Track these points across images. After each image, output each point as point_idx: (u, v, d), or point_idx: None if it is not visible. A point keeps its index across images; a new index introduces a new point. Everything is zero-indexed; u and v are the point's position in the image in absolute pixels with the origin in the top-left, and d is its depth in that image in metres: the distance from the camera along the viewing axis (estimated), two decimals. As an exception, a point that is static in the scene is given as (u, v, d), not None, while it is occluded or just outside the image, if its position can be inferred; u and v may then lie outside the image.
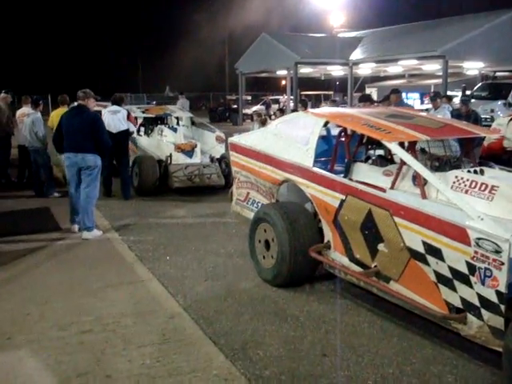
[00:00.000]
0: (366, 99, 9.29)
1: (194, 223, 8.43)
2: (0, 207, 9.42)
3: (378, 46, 29.61)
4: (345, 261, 5.14)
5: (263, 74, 39.88)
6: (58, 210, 8.94)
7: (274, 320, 4.88)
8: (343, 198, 4.99)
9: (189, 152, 11.23)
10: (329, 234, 5.32)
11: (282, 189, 6.07)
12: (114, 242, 7.23)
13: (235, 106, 37.41)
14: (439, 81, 32.99)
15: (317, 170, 5.37)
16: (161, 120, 13.30)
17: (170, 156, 10.84)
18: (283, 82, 66.08)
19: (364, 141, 6.00)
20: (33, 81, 53.33)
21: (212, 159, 11.35)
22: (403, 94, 31.55)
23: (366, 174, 5.53)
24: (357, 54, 29.79)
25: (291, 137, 5.87)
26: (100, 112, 10.93)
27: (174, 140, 11.63)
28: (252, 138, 6.58)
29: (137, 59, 71.35)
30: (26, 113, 10.61)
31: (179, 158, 11.03)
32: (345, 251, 5.13)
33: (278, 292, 5.52)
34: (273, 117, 39.88)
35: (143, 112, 12.55)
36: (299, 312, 5.06)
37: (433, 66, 31.80)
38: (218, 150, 11.93)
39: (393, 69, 34.46)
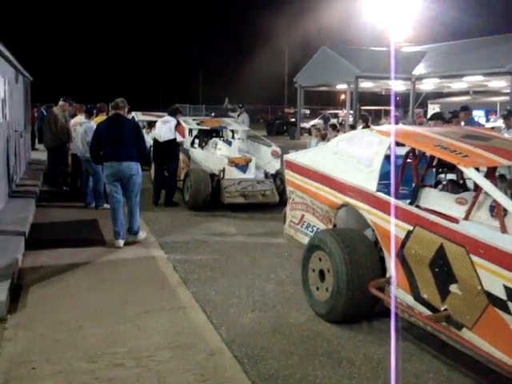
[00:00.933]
0: (438, 117, 8.62)
1: (244, 243, 7.96)
2: (48, 217, 9.24)
3: (442, 61, 28.65)
4: (409, 300, 4.54)
5: (322, 88, 39.39)
6: (105, 223, 8.65)
7: (326, 363, 4.32)
8: (410, 228, 4.40)
9: (243, 167, 10.82)
10: (392, 267, 4.73)
11: (341, 213, 5.52)
12: (158, 260, 6.84)
13: (293, 120, 36.99)
14: (506, 98, 31.66)
15: (381, 195, 4.80)
16: (216, 133, 12.98)
17: (223, 170, 10.45)
18: (342, 97, 65.58)
19: (434, 163, 5.39)
20: (93, 90, 54.56)
21: (266, 175, 10.89)
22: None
23: (436, 201, 4.93)
24: (420, 69, 28.93)
25: (353, 157, 5.32)
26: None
27: (228, 154, 11.25)
28: (309, 156, 6.06)
29: (198, 71, 72.16)
30: (79, 122, 10.46)
31: (233, 173, 10.63)
32: (410, 289, 4.53)
33: (332, 329, 4.96)
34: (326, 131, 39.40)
35: (198, 124, 12.23)
36: (355, 355, 4.49)
37: (499, 83, 30.54)
38: (273, 166, 11.46)
39: (457, 85, 33.33)
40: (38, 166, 15.27)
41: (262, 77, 68.85)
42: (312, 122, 39.29)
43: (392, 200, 4.64)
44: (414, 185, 5.17)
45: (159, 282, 6.03)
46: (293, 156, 6.31)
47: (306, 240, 6.08)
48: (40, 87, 28.77)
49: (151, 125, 17.88)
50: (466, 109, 9.59)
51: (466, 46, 28.85)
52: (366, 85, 31.96)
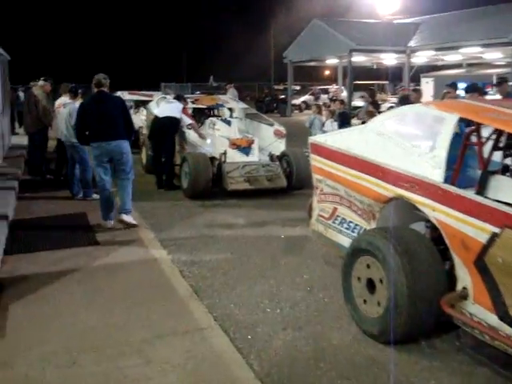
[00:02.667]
0: (474, 89, 7.61)
1: (256, 237, 6.97)
2: (30, 211, 8.17)
3: (437, 33, 27.58)
4: (492, 319, 3.59)
5: (311, 63, 38.17)
6: (96, 217, 7.61)
7: (391, 404, 3.39)
8: (496, 230, 3.43)
9: (245, 149, 9.79)
10: (466, 278, 3.77)
11: (387, 208, 4.54)
12: (162, 263, 5.83)
13: (283, 97, 35.82)
14: (502, 70, 30.74)
15: (451, 187, 3.81)
16: (211, 112, 11.92)
17: (225, 153, 9.40)
18: (327, 72, 64.21)
19: (501, 145, 4.42)
20: (74, 69, 52.67)
21: (272, 157, 9.85)
22: (463, 84, 29.61)
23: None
24: (414, 42, 27.87)
25: (407, 138, 4.33)
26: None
27: (228, 134, 10.21)
28: (344, 138, 5.05)
29: (181, 48, 70.26)
30: (63, 103, 9.33)
31: (235, 156, 9.60)
32: (493, 306, 3.58)
33: (386, 352, 4.01)
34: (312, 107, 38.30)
35: (193, 102, 11.13)
36: (425, 390, 3.56)
37: (494, 55, 29.62)
38: (277, 147, 10.43)
39: (451, 57, 32.35)
40: (19, 151, 14.03)
41: (246, 53, 67.30)
42: (302, 99, 38.27)
43: (469, 194, 3.66)
44: (481, 172, 4.20)
45: (166, 292, 5.02)
46: (321, 138, 5.29)
47: (340, 238, 5.12)
48: (19, 67, 27.32)
49: (138, 105, 16.77)
50: (505, 80, 8.67)
51: (463, 17, 27.78)
52: (357, 59, 30.78)
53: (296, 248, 6.55)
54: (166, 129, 9.89)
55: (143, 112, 15.80)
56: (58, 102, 10.30)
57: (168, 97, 11.49)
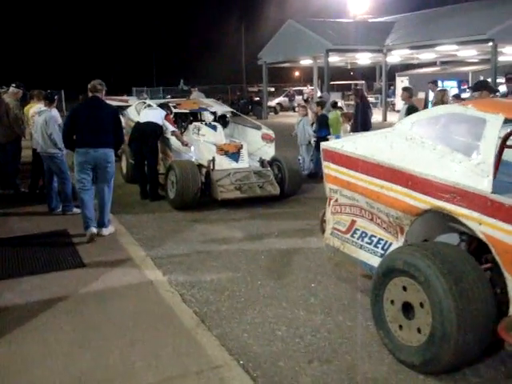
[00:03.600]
0: (484, 87, 7.16)
1: (257, 251, 6.43)
2: (5, 230, 7.48)
3: (413, 31, 27.35)
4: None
5: (286, 64, 37.77)
6: (78, 234, 7.01)
7: None
8: None
9: (234, 154, 9.24)
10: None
11: (419, 221, 4.05)
12: (158, 287, 5.24)
13: (257, 99, 35.29)
14: (477, 67, 30.80)
15: (503, 198, 3.33)
16: (194, 116, 11.34)
17: (213, 160, 8.83)
18: (297, 73, 64.03)
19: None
20: (42, 75, 51.30)
21: (262, 163, 9.32)
22: (439, 83, 29.47)
23: None
24: (390, 40, 27.60)
25: (442, 143, 3.84)
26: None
27: (215, 140, 9.65)
28: (365, 143, 4.54)
29: (150, 51, 69.31)
30: (37, 111, 8.65)
31: (223, 163, 9.04)
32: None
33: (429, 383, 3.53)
34: (297, 109, 37.91)
35: (174, 107, 10.53)
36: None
37: (469, 52, 29.58)
38: (266, 151, 9.91)
39: (425, 56, 32.25)
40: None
41: (217, 55, 66.68)
42: (277, 100, 37.82)
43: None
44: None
45: (169, 323, 4.45)
46: (336, 144, 4.77)
47: (360, 254, 4.62)
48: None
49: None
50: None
51: (439, 15, 27.64)
52: (332, 59, 30.35)
53: (302, 262, 6.03)
54: (147, 135, 9.33)
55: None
56: (33, 109, 9.63)
57: (150, 102, 10.93)
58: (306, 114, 11.85)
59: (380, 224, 4.37)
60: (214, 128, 9.99)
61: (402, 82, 33.04)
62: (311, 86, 38.58)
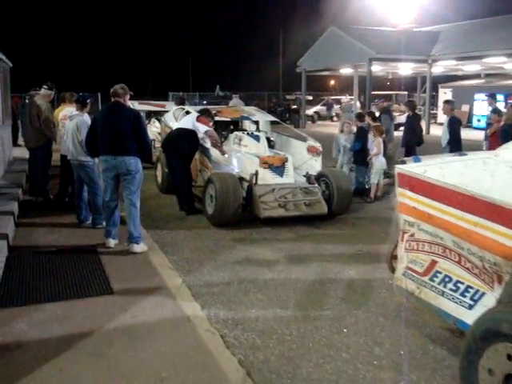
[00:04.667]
0: None
1: (306, 281, 5.68)
2: (29, 242, 6.90)
3: (460, 42, 26.33)
4: None
5: (324, 73, 37.02)
6: (108, 251, 6.38)
7: None
8: None
9: (278, 168, 8.51)
10: None
11: None
12: (197, 325, 4.51)
13: (295, 107, 34.56)
14: (526, 81, 29.51)
15: None
16: (234, 125, 10.66)
17: (256, 174, 8.11)
18: (332, 82, 63.02)
19: None
20: (78, 77, 51.44)
21: (309, 178, 8.55)
22: (481, 95, 28.29)
23: None
24: (436, 50, 26.61)
25: None
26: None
27: (257, 151, 8.95)
28: (457, 170, 3.76)
29: (187, 57, 69.20)
30: (68, 114, 8.07)
31: (267, 177, 8.32)
32: None
33: None
34: (335, 118, 37.10)
35: (215, 114, 9.85)
36: None
37: (518, 65, 28.35)
38: (312, 166, 9.15)
39: (470, 67, 31.11)
40: (22, 166, 12.70)
41: (254, 62, 66.18)
42: (314, 109, 37.03)
43: None
44: None
45: (210, 375, 3.71)
46: (417, 168, 3.99)
47: (441, 302, 3.83)
48: (22, 74, 26.12)
49: (150, 115, 15.55)
50: None
51: (486, 25, 26.55)
52: (373, 68, 29.58)
53: (359, 299, 5.25)
54: (176, 141, 8.72)
55: (155, 123, 14.64)
56: (63, 113, 9.08)
57: (188, 108, 10.31)
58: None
59: (470, 269, 3.57)
60: (257, 138, 9.28)
61: (445, 93, 31.96)
62: (350, 95, 37.76)
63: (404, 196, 4.06)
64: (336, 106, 37.22)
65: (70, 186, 8.97)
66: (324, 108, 37.46)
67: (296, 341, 4.31)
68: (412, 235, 4.05)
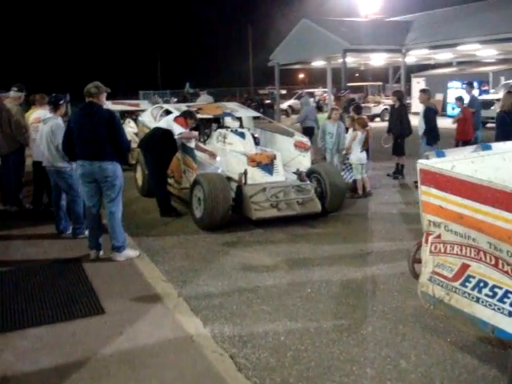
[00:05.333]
0: None
1: (311, 287, 5.28)
2: (6, 258, 6.37)
3: (433, 30, 26.14)
4: None
5: (296, 66, 36.65)
6: (94, 266, 5.90)
7: None
8: None
9: (267, 166, 8.10)
10: None
11: None
12: (202, 345, 4.07)
13: (268, 101, 34.13)
14: (498, 67, 29.62)
15: None
16: (216, 122, 10.21)
17: (245, 173, 7.68)
18: (301, 76, 62.72)
19: None
20: (44, 78, 50.07)
21: (300, 175, 8.15)
22: (458, 83, 28.28)
23: None
24: (409, 40, 26.43)
25: None
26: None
27: (244, 149, 8.50)
28: (492, 164, 3.39)
29: (155, 54, 68.14)
30: (42, 118, 7.52)
31: (255, 176, 7.90)
32: None
33: None
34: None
35: (196, 112, 9.38)
36: None
37: (489, 52, 28.41)
38: (301, 162, 8.77)
39: (442, 56, 31.10)
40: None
41: (223, 57, 65.53)
42: (288, 103, 36.65)
43: None
44: None
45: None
46: (442, 164, 3.61)
47: (476, 309, 3.45)
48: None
49: (124, 115, 14.96)
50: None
51: (459, 13, 26.44)
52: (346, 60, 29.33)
53: (372, 303, 4.88)
54: (151, 142, 8.38)
55: (130, 123, 14.06)
56: (34, 115, 8.54)
57: (168, 107, 9.85)
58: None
59: (510, 272, 3.21)
60: (242, 135, 8.84)
61: (418, 83, 31.91)
62: (323, 87, 37.49)
63: (428, 194, 3.67)
64: (310, 99, 36.89)
65: (46, 193, 8.44)
66: (298, 101, 37.08)
67: (313, 358, 3.91)
68: (438, 237, 3.67)
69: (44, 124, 7.16)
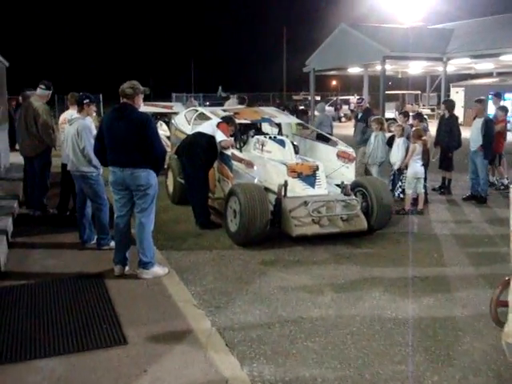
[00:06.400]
0: None
1: (362, 322, 4.61)
2: (23, 269, 5.85)
3: (475, 39, 25.28)
4: None
5: (332, 72, 36.01)
6: (119, 285, 5.33)
7: None
8: None
9: (309, 178, 7.45)
10: None
11: None
12: (240, 392, 3.46)
13: (302, 107, 33.43)
14: (542, 78, 28.50)
15: None
16: (254, 128, 9.60)
17: (285, 184, 7.04)
18: (334, 83, 61.84)
19: None
20: (79, 78, 50.22)
21: (344, 189, 7.47)
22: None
23: None
24: (451, 48, 25.58)
25: None
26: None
27: (283, 158, 7.88)
28: None
29: (188, 57, 68.10)
30: (68, 118, 7.01)
31: (296, 188, 7.27)
32: None
33: None
34: (343, 119, 36.03)
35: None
36: None
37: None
38: (343, 174, 8.11)
39: (482, 66, 30.12)
40: (19, 174, 11.49)
41: (257, 62, 65.10)
42: (322, 110, 35.87)
43: None
44: None
45: None
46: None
47: None
48: (20, 74, 25.03)
49: (156, 117, 14.46)
50: None
51: (502, 21, 25.51)
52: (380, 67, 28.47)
53: (435, 346, 4.19)
54: (192, 148, 7.77)
55: (162, 126, 13.56)
56: (63, 116, 8.07)
57: (203, 110, 9.29)
58: (382, 129, 9.99)
59: None
60: (282, 143, 8.22)
61: (457, 92, 30.91)
62: (358, 94, 36.70)
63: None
64: (344, 107, 36.19)
65: (72, 198, 7.93)
66: (332, 108, 36.37)
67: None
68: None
69: (70, 125, 6.65)
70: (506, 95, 30.49)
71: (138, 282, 5.41)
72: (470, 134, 9.70)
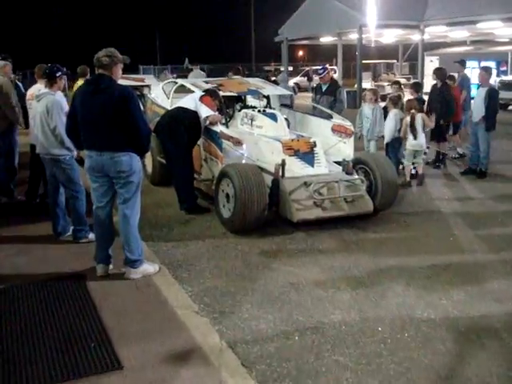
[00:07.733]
0: None
1: (392, 326, 3.98)
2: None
3: (452, 6, 24.56)
4: None
5: (301, 42, 35.02)
6: (104, 288, 4.58)
7: None
8: None
9: (307, 155, 6.74)
10: None
11: None
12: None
13: (274, 78, 32.55)
14: (517, 47, 28.16)
15: None
16: (240, 101, 8.80)
17: (283, 164, 6.31)
18: (300, 53, 60.81)
19: None
20: (38, 51, 48.06)
21: (346, 167, 6.77)
22: (474, 63, 26.79)
23: None
24: (428, 16, 24.91)
25: None
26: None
27: (276, 134, 7.15)
28: None
29: (153, 29, 65.96)
30: (35, 93, 6.12)
31: (294, 167, 6.56)
32: None
33: None
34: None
35: (217, 88, 7.97)
36: None
37: (508, 31, 26.97)
38: (340, 150, 7.42)
39: (457, 34, 29.61)
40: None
41: (224, 32, 63.51)
42: (294, 80, 35.11)
43: None
44: None
45: None
46: None
47: None
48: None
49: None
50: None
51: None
52: (353, 36, 27.62)
53: (478, 351, 3.58)
54: (174, 125, 6.96)
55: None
56: (30, 91, 7.15)
57: (183, 82, 8.50)
58: (377, 100, 9.31)
59: None
60: (274, 117, 7.47)
61: (431, 61, 30.31)
62: (330, 65, 35.92)
63: None
64: (316, 77, 35.42)
65: (43, 183, 7.04)
66: (304, 79, 35.61)
67: None
68: None
69: (38, 101, 5.75)
70: (483, 63, 30.12)
71: (125, 284, 4.67)
72: (473, 104, 9.15)
